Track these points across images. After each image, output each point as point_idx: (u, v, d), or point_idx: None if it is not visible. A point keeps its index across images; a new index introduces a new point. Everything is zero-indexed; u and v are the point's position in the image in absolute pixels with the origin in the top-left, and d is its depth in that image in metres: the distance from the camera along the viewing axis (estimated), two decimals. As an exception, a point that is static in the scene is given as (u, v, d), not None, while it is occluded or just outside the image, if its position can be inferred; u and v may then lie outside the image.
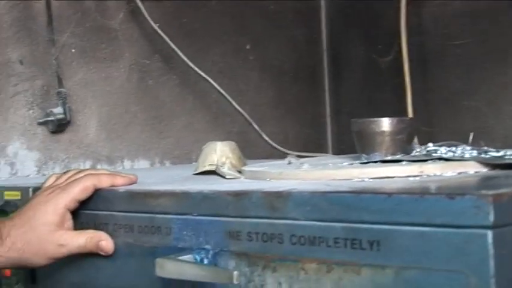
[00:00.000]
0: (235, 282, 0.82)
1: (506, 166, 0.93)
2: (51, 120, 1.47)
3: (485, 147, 1.04)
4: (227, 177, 1.06)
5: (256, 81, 1.80)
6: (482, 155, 0.99)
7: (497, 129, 1.57)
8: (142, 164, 1.60)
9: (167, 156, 1.64)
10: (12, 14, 1.45)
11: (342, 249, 0.76)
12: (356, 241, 0.75)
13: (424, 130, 1.60)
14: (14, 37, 1.45)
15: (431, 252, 0.70)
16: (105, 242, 0.99)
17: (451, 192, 0.71)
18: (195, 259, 0.88)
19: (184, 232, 0.90)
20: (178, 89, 1.67)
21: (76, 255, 1.00)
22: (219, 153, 1.15)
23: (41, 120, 1.47)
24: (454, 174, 0.91)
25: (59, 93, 1.48)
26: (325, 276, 0.78)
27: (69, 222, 1.01)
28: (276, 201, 0.82)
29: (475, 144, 1.06)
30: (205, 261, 0.88)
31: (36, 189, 1.08)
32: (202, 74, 1.62)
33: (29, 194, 1.12)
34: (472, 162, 0.94)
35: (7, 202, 1.16)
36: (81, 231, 1.00)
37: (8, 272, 1.14)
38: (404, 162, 0.97)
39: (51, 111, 1.47)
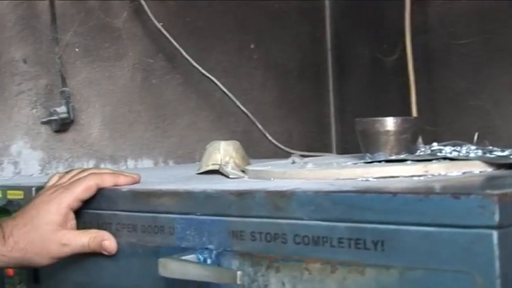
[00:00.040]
0: (238, 282, 0.81)
1: (512, 166, 0.93)
2: (55, 120, 1.47)
3: (490, 147, 1.03)
4: (231, 176, 1.06)
5: (260, 81, 1.80)
6: (488, 155, 0.98)
7: (503, 128, 1.57)
8: (146, 163, 1.60)
9: (171, 155, 1.64)
10: (16, 12, 1.45)
11: (346, 249, 0.76)
12: (360, 241, 0.75)
13: (428, 129, 1.59)
14: (17, 36, 1.45)
15: (436, 252, 0.70)
16: (108, 242, 0.99)
17: (456, 192, 0.70)
18: (198, 259, 0.88)
19: (188, 232, 0.90)
20: (182, 88, 1.66)
21: (79, 254, 1.00)
22: (223, 152, 1.15)
23: (44, 120, 1.47)
24: (459, 173, 0.91)
25: (62, 92, 1.48)
26: (329, 277, 0.78)
27: (72, 221, 1.01)
28: (279, 201, 0.81)
29: (480, 144, 1.05)
30: (209, 261, 0.88)
31: (39, 189, 1.08)
32: (206, 73, 1.62)
33: (32, 193, 1.12)
34: (477, 162, 0.94)
35: (10, 201, 1.16)
36: (84, 230, 1.00)
37: (11, 272, 1.14)
38: (409, 162, 0.96)
39: (54, 111, 1.47)
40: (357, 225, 0.75)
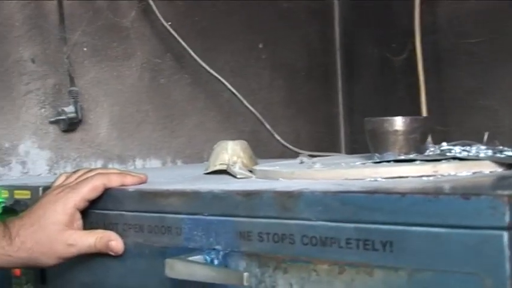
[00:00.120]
0: (245, 283, 0.81)
1: (522, 166, 0.92)
2: (63, 119, 1.47)
3: (501, 147, 1.02)
4: (238, 176, 1.06)
5: (269, 80, 1.79)
6: (498, 155, 0.97)
7: (513, 128, 1.56)
8: (154, 163, 1.60)
9: (179, 155, 1.63)
10: (24, 12, 1.45)
11: (354, 250, 0.75)
12: (368, 242, 0.74)
13: (438, 129, 1.58)
14: (25, 35, 1.45)
15: (445, 253, 0.69)
16: (115, 242, 0.98)
17: (466, 192, 0.69)
18: (205, 260, 0.87)
19: (195, 232, 0.90)
20: (190, 88, 1.66)
21: (86, 255, 1.00)
22: (230, 152, 1.15)
23: (52, 119, 1.47)
24: (468, 174, 0.90)
25: (70, 92, 1.48)
26: (337, 278, 0.77)
27: (79, 221, 1.00)
28: (287, 201, 0.81)
29: (490, 144, 1.04)
30: (216, 261, 0.87)
31: (46, 189, 1.07)
32: (214, 73, 1.61)
33: (39, 193, 1.12)
34: (487, 162, 0.93)
35: (17, 201, 1.16)
36: (90, 231, 1.00)
37: (18, 272, 1.14)
38: (418, 162, 0.95)
39: (62, 110, 1.47)
40: (365, 226, 0.74)
